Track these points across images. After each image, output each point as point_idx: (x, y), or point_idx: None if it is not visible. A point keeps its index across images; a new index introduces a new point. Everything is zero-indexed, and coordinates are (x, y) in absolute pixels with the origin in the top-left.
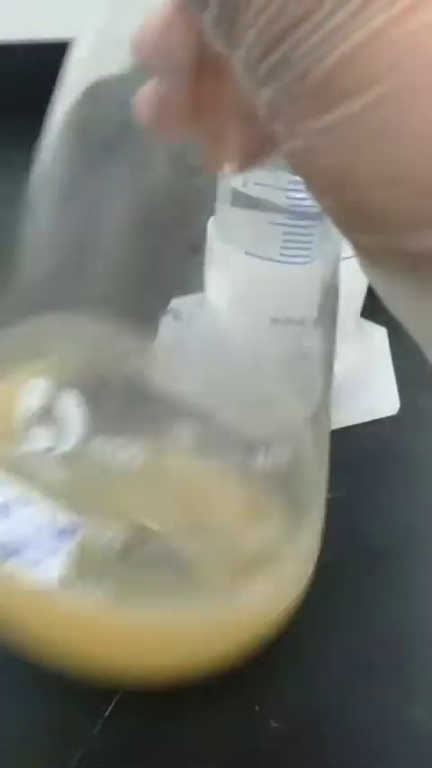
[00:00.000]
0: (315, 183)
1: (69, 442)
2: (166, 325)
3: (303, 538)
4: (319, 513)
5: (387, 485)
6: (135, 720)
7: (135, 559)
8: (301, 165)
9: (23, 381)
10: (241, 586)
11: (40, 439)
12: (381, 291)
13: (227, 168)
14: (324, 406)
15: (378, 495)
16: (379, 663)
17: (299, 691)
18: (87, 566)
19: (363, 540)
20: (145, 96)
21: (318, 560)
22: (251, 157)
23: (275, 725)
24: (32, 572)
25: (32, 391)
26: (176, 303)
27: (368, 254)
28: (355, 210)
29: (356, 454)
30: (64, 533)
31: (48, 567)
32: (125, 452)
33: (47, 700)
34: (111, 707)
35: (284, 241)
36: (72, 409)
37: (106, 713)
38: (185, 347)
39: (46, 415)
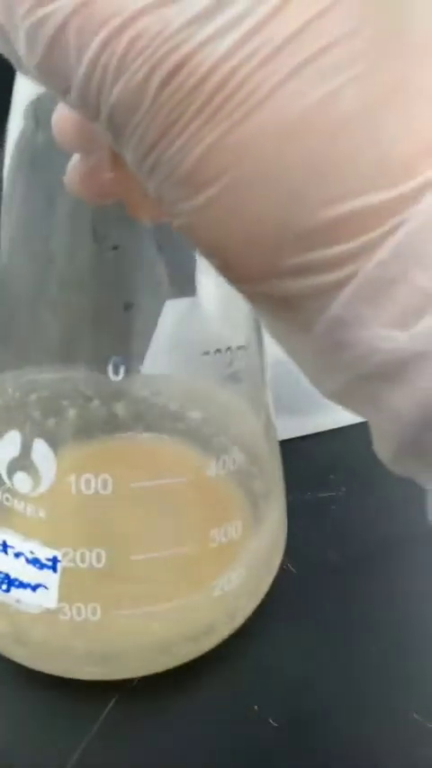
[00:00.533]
0: (199, 249)
1: (46, 484)
2: (162, 325)
3: (267, 530)
4: (281, 507)
5: (385, 483)
6: (134, 719)
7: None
8: (187, 237)
9: None
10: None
11: (23, 483)
12: (263, 325)
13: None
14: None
15: (377, 493)
16: (378, 662)
17: (298, 690)
18: (76, 592)
19: (361, 538)
20: (72, 171)
21: (318, 559)
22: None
23: (274, 724)
24: (33, 598)
25: (10, 443)
26: (171, 304)
27: (248, 299)
28: (229, 268)
29: (355, 453)
30: (47, 566)
31: (44, 596)
32: (92, 486)
33: (47, 700)
34: (110, 705)
35: None
36: (45, 455)
37: (105, 712)
38: (177, 347)
39: (23, 462)
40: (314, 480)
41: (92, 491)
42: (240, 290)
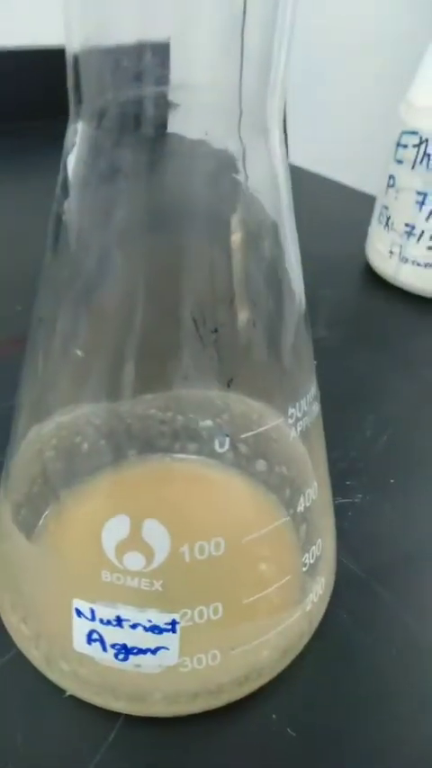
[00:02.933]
0: None
1: (161, 558)
2: None
3: (330, 537)
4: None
5: (404, 491)
6: (150, 727)
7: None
8: None
9: (101, 516)
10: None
11: (134, 562)
12: None
13: None
14: None
15: (394, 500)
16: (397, 673)
17: (316, 700)
18: (195, 645)
19: (378, 546)
20: None
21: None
22: None
23: (293, 734)
24: (153, 661)
25: (118, 526)
26: None
27: None
28: None
29: (373, 460)
30: (166, 630)
31: (165, 656)
32: (206, 551)
33: (60, 712)
34: (123, 716)
35: None
36: (158, 532)
37: (120, 721)
38: None
39: (134, 541)
40: (331, 487)
41: (206, 555)
42: None
